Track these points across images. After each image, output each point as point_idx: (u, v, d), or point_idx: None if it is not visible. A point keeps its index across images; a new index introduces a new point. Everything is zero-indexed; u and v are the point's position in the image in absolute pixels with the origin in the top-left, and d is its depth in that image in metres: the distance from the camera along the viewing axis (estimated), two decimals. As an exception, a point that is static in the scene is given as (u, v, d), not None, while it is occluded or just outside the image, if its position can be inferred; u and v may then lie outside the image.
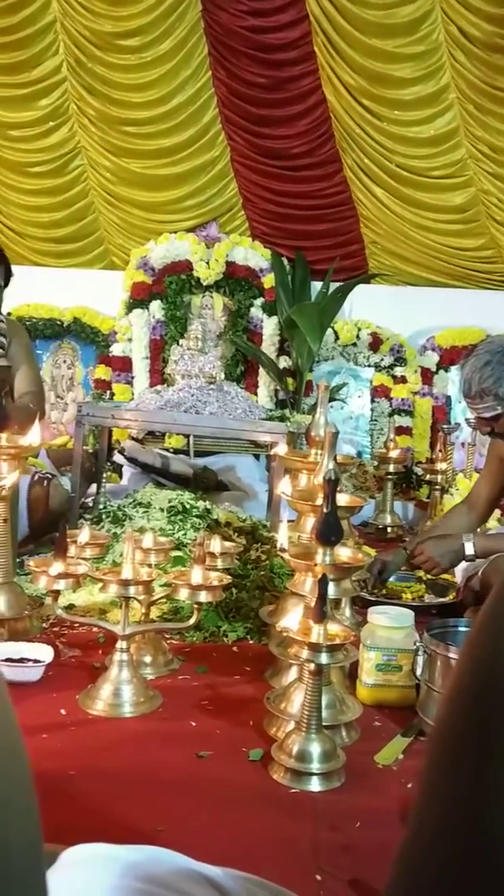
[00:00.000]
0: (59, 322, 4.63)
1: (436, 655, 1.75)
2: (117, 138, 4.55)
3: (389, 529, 3.53)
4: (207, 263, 4.48)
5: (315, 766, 1.51)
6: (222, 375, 3.40)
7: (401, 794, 1.51)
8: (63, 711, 1.75)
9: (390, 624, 1.89)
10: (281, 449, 2.28)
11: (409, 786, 1.54)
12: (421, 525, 3.51)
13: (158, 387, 3.50)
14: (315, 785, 1.51)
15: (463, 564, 2.50)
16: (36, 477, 2.71)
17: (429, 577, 2.60)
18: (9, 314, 3.14)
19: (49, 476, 2.78)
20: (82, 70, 4.45)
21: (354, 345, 4.55)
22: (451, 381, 4.55)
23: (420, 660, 1.81)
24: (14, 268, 3.01)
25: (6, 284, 2.96)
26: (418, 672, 1.81)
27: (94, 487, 3.21)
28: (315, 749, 1.52)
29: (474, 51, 4.13)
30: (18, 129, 4.60)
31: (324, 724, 1.56)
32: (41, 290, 4.56)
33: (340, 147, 4.48)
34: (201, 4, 4.30)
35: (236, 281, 4.54)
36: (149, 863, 0.79)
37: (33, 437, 2.21)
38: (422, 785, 0.57)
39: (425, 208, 4.49)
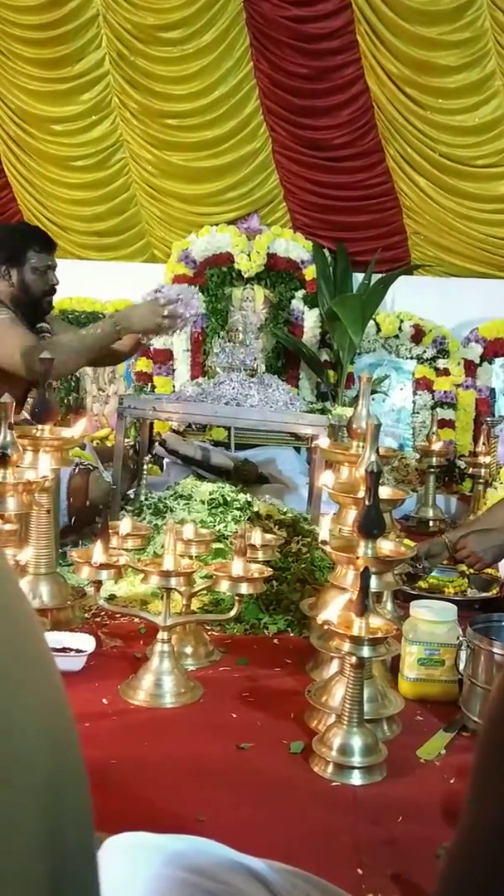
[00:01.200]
0: (101, 315, 4.65)
1: (479, 650, 1.73)
2: (159, 131, 4.56)
3: (432, 523, 3.49)
4: (248, 256, 4.48)
5: (356, 760, 1.50)
6: (263, 368, 3.40)
7: (443, 790, 1.49)
8: (105, 701, 1.76)
9: (433, 618, 1.87)
10: (322, 441, 2.26)
11: (452, 781, 1.52)
12: (463, 519, 3.47)
13: (199, 379, 3.50)
14: (356, 778, 1.50)
15: (507, 559, 2.47)
16: (77, 468, 2.73)
17: (471, 571, 2.57)
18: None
19: (90, 467, 2.80)
20: (124, 63, 4.46)
21: (396, 337, 4.50)
22: (495, 374, 4.48)
23: (463, 655, 1.79)
24: (57, 261, 3.05)
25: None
26: (461, 667, 1.79)
27: (136, 481, 3.23)
28: (356, 743, 1.51)
29: (521, 37, 4.06)
30: (61, 123, 4.64)
31: (365, 717, 1.55)
32: (83, 283, 4.59)
33: (383, 137, 4.43)
34: (243, -5, 4.29)
35: (277, 273, 4.52)
36: (193, 853, 0.80)
37: (76, 429, 2.23)
38: (471, 786, 0.56)
39: (469, 198, 4.42)
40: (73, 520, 2.71)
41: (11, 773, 0.40)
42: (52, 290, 3.00)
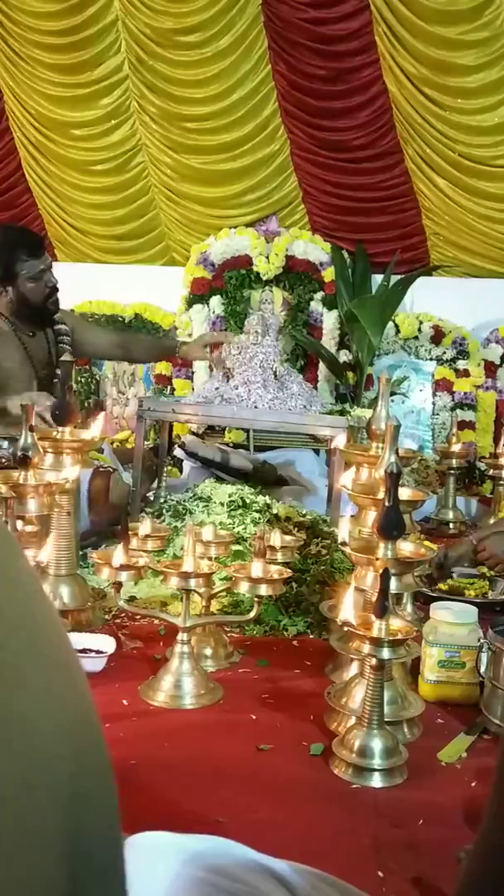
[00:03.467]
0: (120, 318, 4.68)
1: (501, 652, 1.72)
2: (178, 134, 4.57)
3: (452, 525, 3.47)
4: (267, 258, 4.48)
5: (377, 762, 1.50)
6: (282, 369, 3.39)
7: (464, 793, 1.48)
8: (125, 702, 1.77)
9: (453, 620, 1.86)
10: (341, 442, 2.26)
11: (473, 784, 1.51)
12: (484, 520, 3.45)
13: (217, 380, 3.49)
14: (377, 781, 1.50)
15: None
16: (97, 470, 2.75)
17: (492, 573, 2.55)
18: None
19: (111, 469, 2.82)
20: (143, 68, 4.48)
21: (416, 338, 4.49)
22: (516, 375, 4.45)
23: (484, 657, 1.78)
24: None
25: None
26: (482, 669, 1.78)
27: (155, 482, 3.24)
28: (377, 745, 1.50)
29: (541, 35, 4.04)
30: (81, 128, 4.67)
31: (385, 720, 1.55)
32: (103, 286, 4.61)
33: (402, 138, 4.42)
34: (261, -2, 4.30)
35: (296, 275, 4.52)
36: (213, 853, 0.79)
37: (95, 430, 2.24)
38: (494, 789, 0.56)
39: (489, 198, 4.40)
40: (93, 522, 2.72)
41: (30, 773, 0.40)
42: (54, 290, 2.94)
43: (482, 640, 1.79)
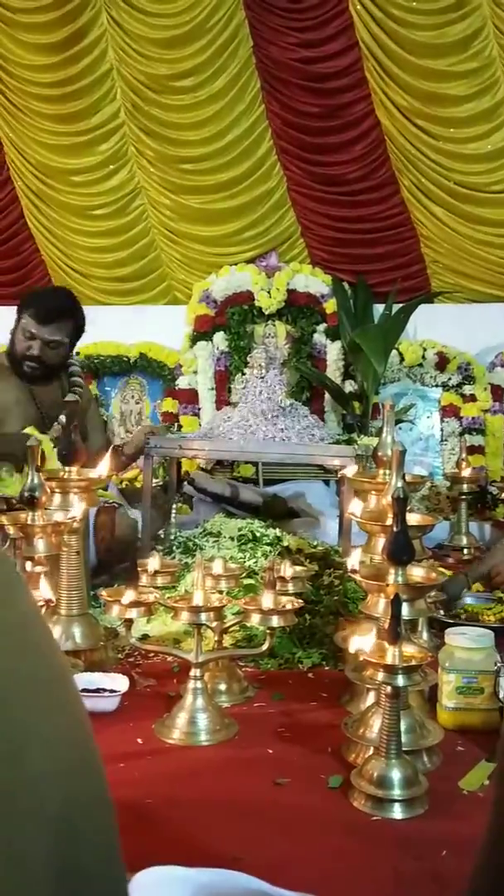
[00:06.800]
0: (125, 358, 4.71)
1: (518, 676, 1.69)
2: (176, 176, 4.64)
3: (466, 551, 3.44)
4: (269, 293, 4.51)
5: (396, 793, 1.47)
6: (287, 402, 3.40)
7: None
8: (139, 740, 1.75)
9: (469, 645, 1.83)
10: (349, 470, 2.25)
11: (497, 812, 1.48)
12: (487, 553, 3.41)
13: (225, 410, 3.49)
14: (397, 812, 1.47)
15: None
16: (102, 506, 2.75)
17: (507, 596, 2.53)
18: (77, 353, 3.27)
19: (115, 504, 2.82)
20: (139, 113, 4.57)
21: (420, 365, 4.49)
22: (523, 397, 4.44)
23: (503, 681, 1.75)
24: (59, 339, 3.10)
25: (77, 338, 3.17)
26: (501, 694, 1.75)
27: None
28: (396, 775, 1.48)
29: (529, 63, 4.10)
30: (80, 174, 4.74)
31: (404, 749, 1.52)
32: (107, 328, 4.64)
33: (397, 169, 4.47)
34: (252, 40, 4.38)
35: (298, 308, 4.55)
36: (222, 885, 0.78)
37: (102, 468, 2.24)
38: (493, 803, 0.55)
39: (487, 223, 4.44)
40: (101, 558, 2.72)
41: (18, 801, 0.39)
42: (34, 359, 3.03)
43: (499, 665, 1.77)
